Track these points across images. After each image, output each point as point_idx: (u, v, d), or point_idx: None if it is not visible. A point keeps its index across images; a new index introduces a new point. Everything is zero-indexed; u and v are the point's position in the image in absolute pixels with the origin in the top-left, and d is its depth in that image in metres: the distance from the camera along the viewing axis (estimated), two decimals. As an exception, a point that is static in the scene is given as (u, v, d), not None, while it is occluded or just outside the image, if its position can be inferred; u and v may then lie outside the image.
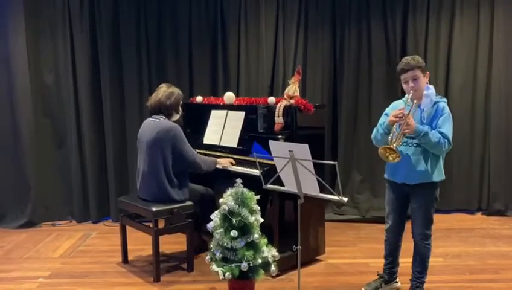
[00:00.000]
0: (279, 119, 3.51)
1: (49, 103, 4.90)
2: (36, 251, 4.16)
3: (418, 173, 2.88)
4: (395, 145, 2.69)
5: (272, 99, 3.68)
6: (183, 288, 3.36)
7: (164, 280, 3.47)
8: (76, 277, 3.57)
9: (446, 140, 2.78)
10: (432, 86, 2.89)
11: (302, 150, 2.58)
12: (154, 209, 3.41)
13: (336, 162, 2.57)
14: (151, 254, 3.50)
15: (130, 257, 3.85)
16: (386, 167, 3.07)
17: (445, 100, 2.93)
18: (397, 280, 3.29)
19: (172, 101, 3.59)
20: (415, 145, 2.88)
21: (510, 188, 5.04)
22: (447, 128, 2.82)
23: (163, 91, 3.61)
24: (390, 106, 3.10)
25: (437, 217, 4.92)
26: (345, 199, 2.63)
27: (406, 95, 2.89)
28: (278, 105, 3.53)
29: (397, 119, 2.78)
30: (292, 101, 3.53)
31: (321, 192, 2.68)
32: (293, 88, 3.60)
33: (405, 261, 3.21)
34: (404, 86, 2.91)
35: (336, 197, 2.62)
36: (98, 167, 4.93)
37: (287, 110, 3.51)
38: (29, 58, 4.71)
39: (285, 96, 3.61)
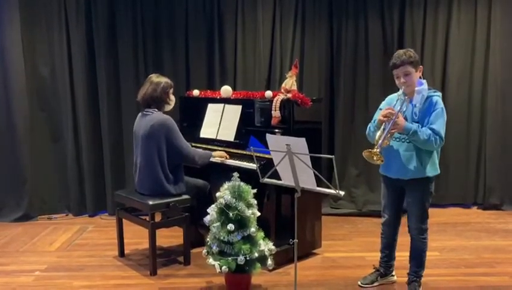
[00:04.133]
0: (276, 113, 3.50)
1: (45, 96, 4.87)
2: (32, 244, 4.15)
3: (411, 168, 2.86)
4: (378, 150, 2.68)
5: (269, 93, 3.67)
6: (179, 282, 3.36)
7: (161, 274, 3.47)
8: (73, 270, 3.57)
9: (438, 137, 2.75)
10: (424, 81, 2.86)
11: (299, 144, 2.58)
12: (150, 202, 3.41)
13: (333, 156, 2.56)
14: (148, 248, 3.49)
15: (126, 251, 3.85)
16: None
17: (439, 94, 2.89)
18: (393, 273, 3.31)
19: (159, 92, 3.53)
20: (407, 141, 2.85)
21: (506, 183, 5.06)
22: (439, 124, 2.78)
23: (150, 83, 3.57)
24: (385, 100, 3.08)
25: (433, 211, 4.96)
26: (342, 193, 2.62)
27: (400, 90, 2.88)
28: (275, 99, 3.52)
29: (386, 119, 2.76)
30: (289, 95, 3.52)
31: (318, 186, 2.68)
32: (290, 82, 3.59)
33: (401, 255, 3.22)
34: (396, 81, 2.90)
35: (332, 191, 2.62)
36: (94, 160, 4.91)
37: (284, 104, 3.50)
38: (24, 50, 4.68)
39: (282, 90, 3.60)
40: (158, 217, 3.71)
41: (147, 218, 3.49)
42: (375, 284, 3.25)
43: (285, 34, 4.94)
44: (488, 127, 5.03)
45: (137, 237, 4.09)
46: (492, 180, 5.05)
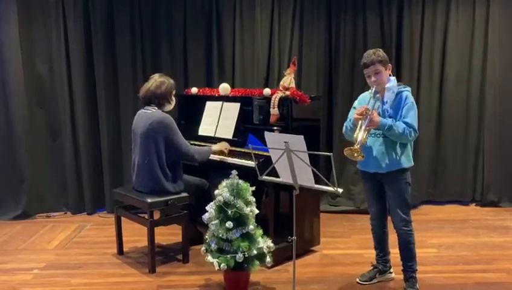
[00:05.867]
0: (274, 111, 3.51)
1: (43, 93, 4.86)
2: (31, 242, 4.15)
3: (387, 161, 2.94)
4: (358, 146, 2.74)
5: (267, 91, 3.67)
6: (178, 279, 3.37)
7: (159, 271, 3.47)
8: (71, 268, 3.57)
9: (411, 129, 2.85)
10: (393, 78, 2.97)
11: (298, 142, 2.58)
12: (149, 200, 3.41)
13: (331, 154, 2.58)
14: (147, 246, 3.50)
15: (125, 249, 3.85)
16: None
17: (409, 89, 3.00)
18: (391, 270, 3.32)
19: (163, 90, 3.55)
20: (382, 135, 2.94)
21: (504, 179, 5.07)
22: (412, 117, 2.88)
23: (154, 81, 3.59)
24: (358, 99, 3.16)
25: (431, 209, 5.03)
26: (340, 190, 2.63)
27: (372, 88, 2.94)
28: (274, 96, 3.52)
29: (361, 116, 2.84)
30: (288, 93, 3.52)
31: (316, 183, 2.68)
32: (288, 79, 3.59)
33: (397, 251, 3.22)
34: (368, 80, 2.99)
35: (331, 189, 2.63)
36: (92, 158, 4.91)
37: (283, 101, 3.50)
38: (21, 48, 4.67)
39: (280, 88, 3.60)
40: (157, 215, 3.71)
41: (146, 216, 3.49)
42: (374, 281, 3.26)
43: (283, 32, 4.94)
44: (486, 124, 5.04)
45: (136, 235, 4.09)
46: (490, 177, 5.07)
